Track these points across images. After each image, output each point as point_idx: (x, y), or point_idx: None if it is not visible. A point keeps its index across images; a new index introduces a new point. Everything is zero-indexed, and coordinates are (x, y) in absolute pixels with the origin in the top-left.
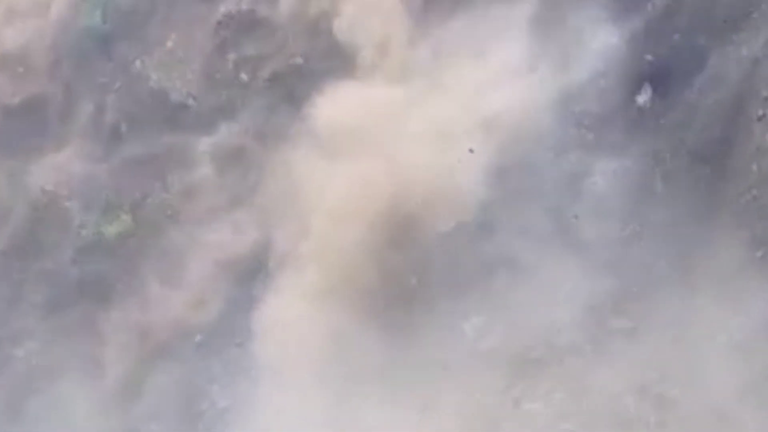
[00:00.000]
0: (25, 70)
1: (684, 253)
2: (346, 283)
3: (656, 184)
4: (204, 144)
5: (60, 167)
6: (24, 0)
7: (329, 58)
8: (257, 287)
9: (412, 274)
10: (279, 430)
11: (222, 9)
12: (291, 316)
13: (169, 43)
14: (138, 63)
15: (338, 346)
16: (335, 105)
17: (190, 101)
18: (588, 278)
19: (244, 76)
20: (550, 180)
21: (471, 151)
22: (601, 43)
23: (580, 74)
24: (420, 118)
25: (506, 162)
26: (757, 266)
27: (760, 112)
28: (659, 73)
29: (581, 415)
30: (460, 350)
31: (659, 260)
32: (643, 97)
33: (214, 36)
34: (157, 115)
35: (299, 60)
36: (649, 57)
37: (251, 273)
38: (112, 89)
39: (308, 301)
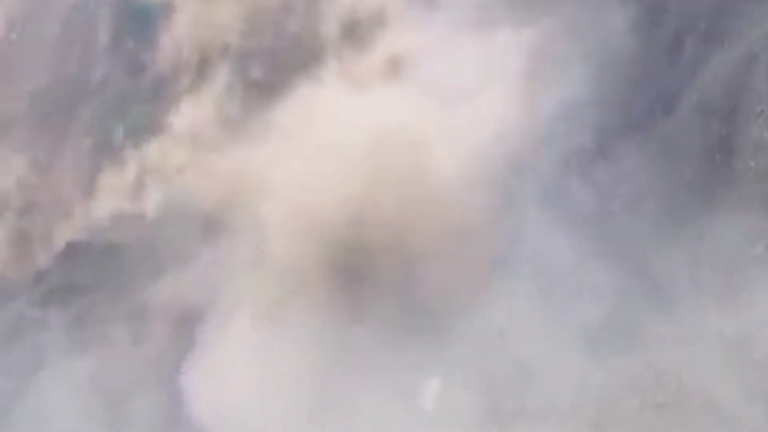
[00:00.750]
0: None
1: (683, 248)
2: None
3: (655, 181)
4: None
5: None
6: None
7: None
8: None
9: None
10: None
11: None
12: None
13: None
14: None
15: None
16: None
17: None
18: (587, 274)
19: None
20: (537, 193)
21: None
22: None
23: (578, 74)
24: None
25: (484, 181)
26: (756, 261)
27: (759, 109)
28: (658, 71)
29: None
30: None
31: (658, 257)
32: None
33: None
34: None
35: None
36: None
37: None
38: None
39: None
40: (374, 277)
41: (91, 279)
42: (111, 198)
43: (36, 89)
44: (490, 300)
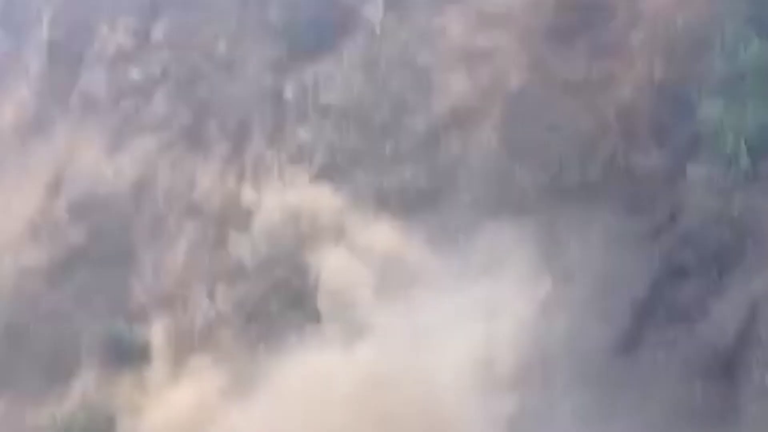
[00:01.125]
0: None
1: None
2: None
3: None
4: None
5: None
6: None
7: None
8: None
9: None
10: None
11: None
12: None
13: None
14: None
15: None
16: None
17: None
18: None
19: None
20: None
21: None
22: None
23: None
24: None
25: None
26: None
27: (760, 355)
28: (662, 308)
29: None
30: None
31: None
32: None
33: None
34: None
35: None
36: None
37: None
38: None
39: None
40: None
41: None
42: None
43: None
44: None
